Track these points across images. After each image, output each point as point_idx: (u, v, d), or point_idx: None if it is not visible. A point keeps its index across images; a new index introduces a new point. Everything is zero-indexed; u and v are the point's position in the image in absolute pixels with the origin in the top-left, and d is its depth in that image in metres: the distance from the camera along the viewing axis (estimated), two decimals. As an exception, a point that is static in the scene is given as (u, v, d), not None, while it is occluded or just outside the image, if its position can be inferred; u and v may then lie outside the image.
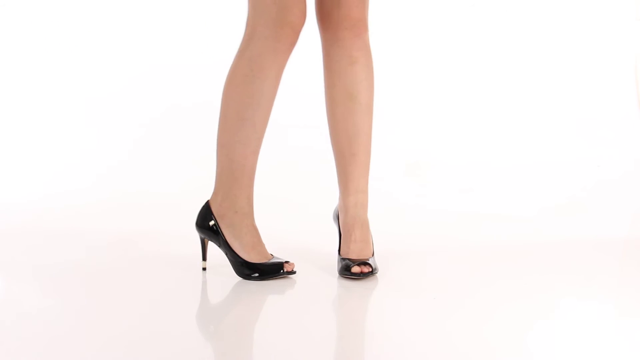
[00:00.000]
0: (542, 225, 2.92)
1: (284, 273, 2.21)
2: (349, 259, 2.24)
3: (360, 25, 2.24)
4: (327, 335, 1.83)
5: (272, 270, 2.20)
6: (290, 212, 3.06)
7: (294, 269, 2.23)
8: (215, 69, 3.72)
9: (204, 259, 2.29)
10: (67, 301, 2.03)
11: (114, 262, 2.40)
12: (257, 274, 2.20)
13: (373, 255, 2.28)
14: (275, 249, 2.33)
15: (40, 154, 3.53)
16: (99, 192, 3.27)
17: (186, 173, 3.40)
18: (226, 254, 2.23)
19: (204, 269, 2.29)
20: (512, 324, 1.87)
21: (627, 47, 3.79)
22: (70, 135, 3.60)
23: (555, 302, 2.05)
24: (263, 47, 2.13)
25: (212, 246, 2.31)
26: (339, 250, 2.29)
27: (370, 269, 2.22)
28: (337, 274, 2.26)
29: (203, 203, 2.27)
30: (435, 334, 1.80)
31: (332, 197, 2.46)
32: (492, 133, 3.66)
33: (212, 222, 2.23)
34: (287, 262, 2.23)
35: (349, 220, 2.28)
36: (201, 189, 3.28)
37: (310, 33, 2.28)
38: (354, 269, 2.21)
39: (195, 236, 2.27)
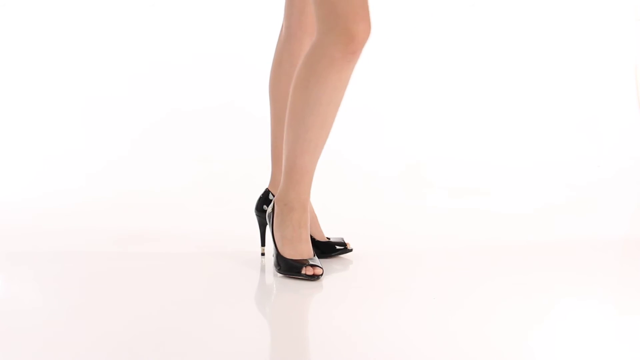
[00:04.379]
0: (542, 224, 2.92)
1: (301, 275, 2.17)
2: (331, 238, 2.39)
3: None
4: (327, 336, 1.83)
5: (290, 269, 2.19)
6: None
7: (317, 274, 2.17)
8: (215, 71, 3.72)
9: (262, 244, 2.36)
10: (67, 301, 2.03)
11: (114, 261, 2.40)
12: (278, 268, 2.21)
13: None
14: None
15: (40, 153, 3.53)
16: (99, 192, 3.27)
17: (187, 171, 3.40)
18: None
19: (262, 254, 2.36)
20: (513, 323, 1.87)
21: (627, 47, 3.79)
22: (70, 135, 3.60)
23: (555, 301, 2.05)
24: (322, 55, 2.11)
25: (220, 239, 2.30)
26: (317, 235, 2.38)
27: None
28: (335, 273, 2.25)
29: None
30: (436, 334, 1.80)
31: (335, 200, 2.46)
32: (492, 132, 3.66)
33: (269, 209, 2.30)
34: (314, 265, 2.17)
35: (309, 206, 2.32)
36: (203, 187, 3.29)
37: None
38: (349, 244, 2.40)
39: (194, 236, 2.27)
